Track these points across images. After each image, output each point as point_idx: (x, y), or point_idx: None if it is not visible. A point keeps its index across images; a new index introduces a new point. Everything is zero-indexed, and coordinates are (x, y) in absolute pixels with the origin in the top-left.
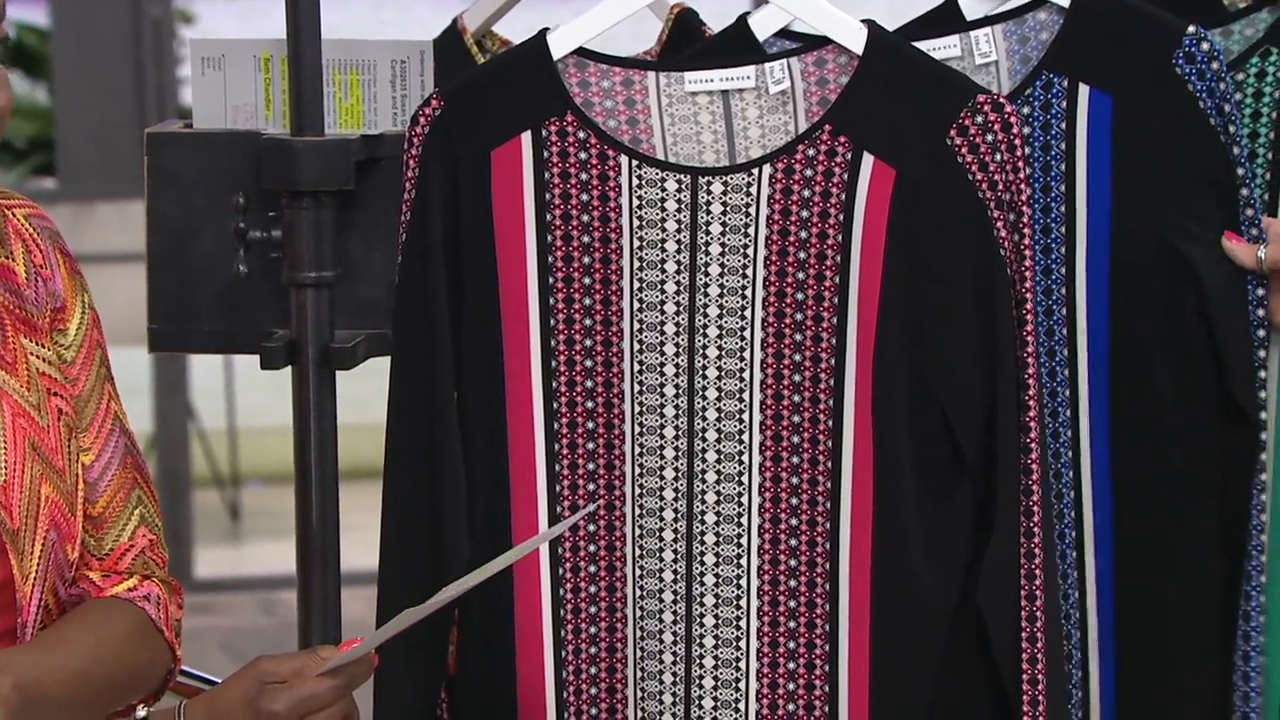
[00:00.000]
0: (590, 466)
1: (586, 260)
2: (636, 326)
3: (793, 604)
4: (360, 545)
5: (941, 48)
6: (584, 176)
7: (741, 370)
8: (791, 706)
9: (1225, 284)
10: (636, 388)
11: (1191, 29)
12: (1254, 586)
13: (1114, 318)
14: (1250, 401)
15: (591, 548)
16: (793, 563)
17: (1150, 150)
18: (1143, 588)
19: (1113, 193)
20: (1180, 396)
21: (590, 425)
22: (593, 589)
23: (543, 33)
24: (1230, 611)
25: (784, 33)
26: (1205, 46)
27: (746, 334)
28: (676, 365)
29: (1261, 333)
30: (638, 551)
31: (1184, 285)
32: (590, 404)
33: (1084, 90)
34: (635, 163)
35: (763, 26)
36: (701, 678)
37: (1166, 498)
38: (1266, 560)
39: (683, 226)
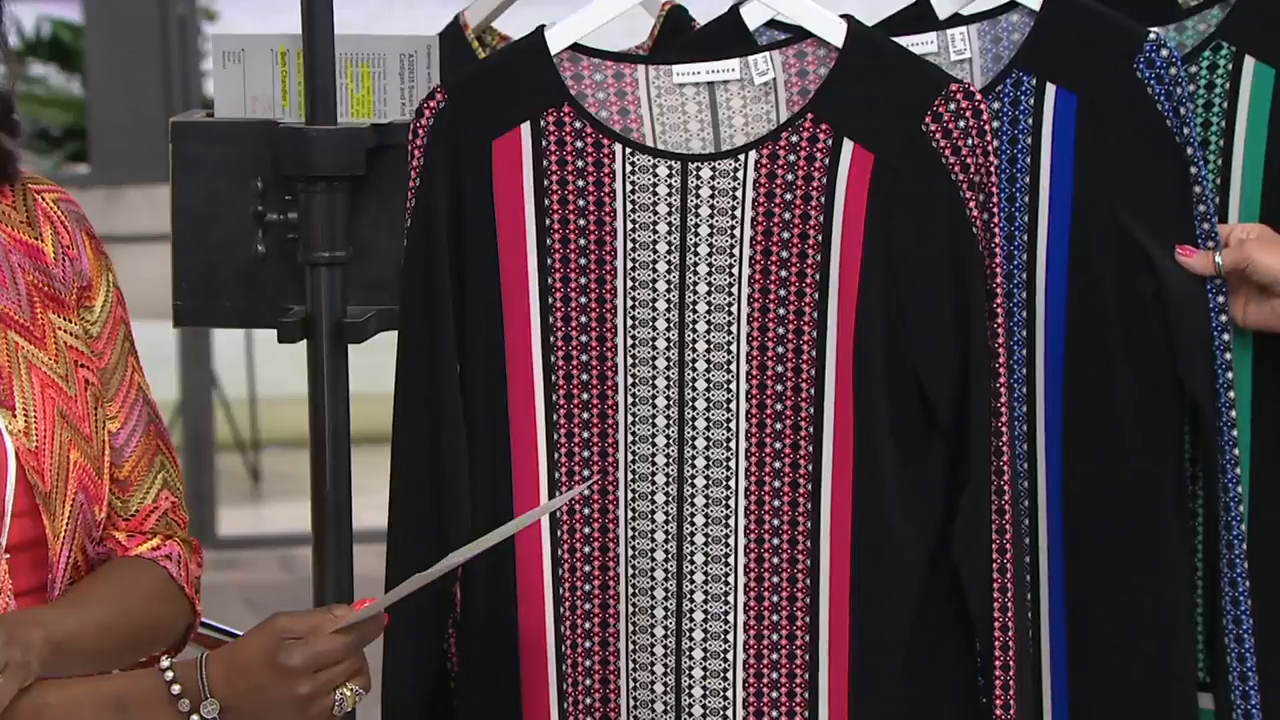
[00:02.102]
0: (585, 435)
1: (583, 242)
2: (630, 304)
3: (777, 560)
4: (371, 506)
5: (920, 44)
6: (580, 164)
7: (729, 344)
8: (775, 656)
9: (1180, 278)
10: (630, 361)
11: (1153, 35)
12: (1239, 588)
13: (1071, 305)
14: (1205, 394)
15: (587, 510)
16: (776, 522)
17: (1111, 148)
18: (1091, 558)
19: (1074, 187)
20: (1133, 382)
21: (586, 397)
22: (587, 549)
23: (540, 29)
24: (1175, 587)
25: (773, 23)
26: (1164, 52)
27: (734, 309)
28: (668, 340)
29: (1226, 336)
30: (630, 514)
31: (1139, 276)
32: (586, 377)
33: (1051, 89)
34: (628, 150)
35: (752, 18)
36: (691, 630)
37: (1116, 480)
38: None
39: (673, 210)
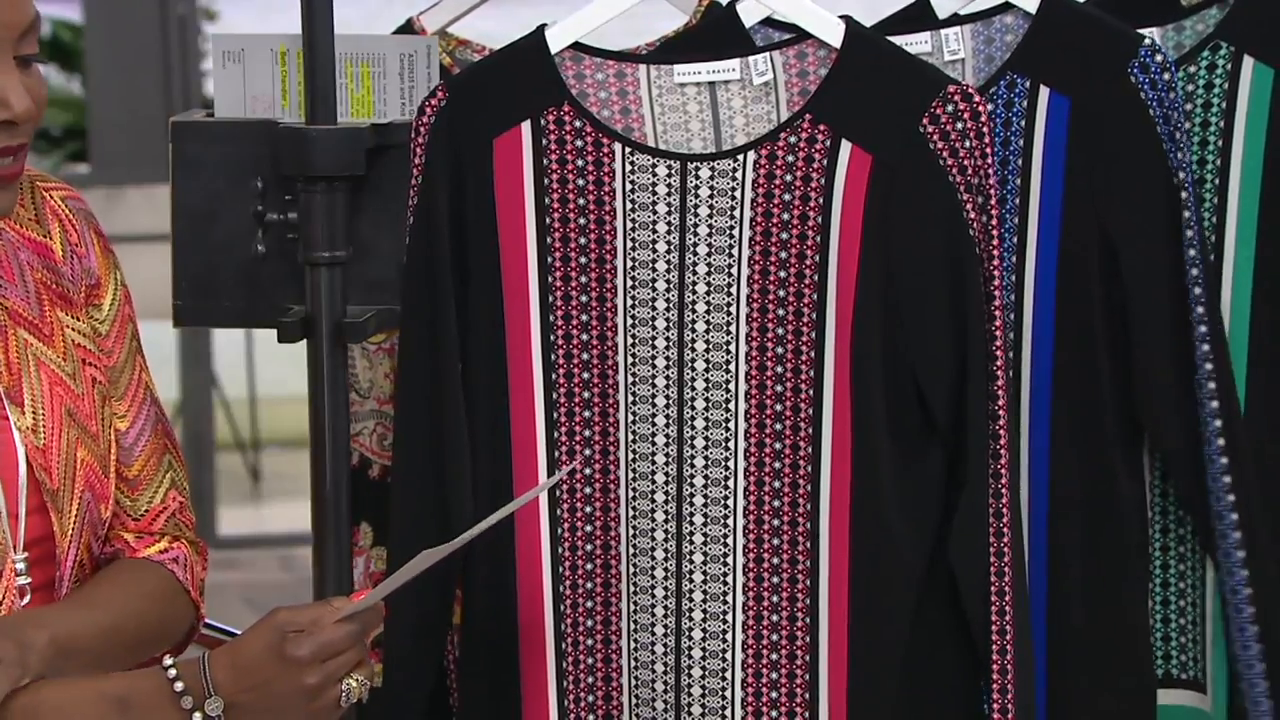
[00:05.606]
0: (586, 434)
1: (583, 241)
2: (630, 303)
3: (776, 561)
4: None
5: (915, 44)
6: (580, 163)
7: (728, 343)
8: (775, 656)
9: (1147, 285)
10: (630, 361)
11: (1147, 41)
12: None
13: (1059, 308)
14: (1144, 406)
15: (588, 509)
16: (775, 523)
17: (1102, 153)
18: (1074, 561)
19: (1064, 190)
20: (1117, 385)
21: (586, 395)
22: (589, 547)
23: (541, 28)
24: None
25: (770, 20)
26: (1159, 59)
27: (732, 309)
28: (667, 339)
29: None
30: (631, 513)
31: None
32: (586, 375)
33: (1044, 92)
34: (628, 150)
35: (749, 15)
36: (690, 630)
37: (1099, 477)
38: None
39: (673, 209)
